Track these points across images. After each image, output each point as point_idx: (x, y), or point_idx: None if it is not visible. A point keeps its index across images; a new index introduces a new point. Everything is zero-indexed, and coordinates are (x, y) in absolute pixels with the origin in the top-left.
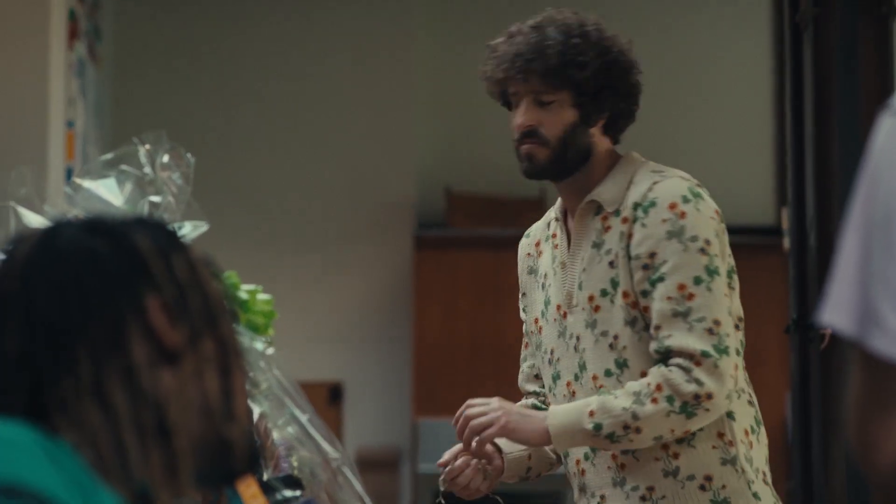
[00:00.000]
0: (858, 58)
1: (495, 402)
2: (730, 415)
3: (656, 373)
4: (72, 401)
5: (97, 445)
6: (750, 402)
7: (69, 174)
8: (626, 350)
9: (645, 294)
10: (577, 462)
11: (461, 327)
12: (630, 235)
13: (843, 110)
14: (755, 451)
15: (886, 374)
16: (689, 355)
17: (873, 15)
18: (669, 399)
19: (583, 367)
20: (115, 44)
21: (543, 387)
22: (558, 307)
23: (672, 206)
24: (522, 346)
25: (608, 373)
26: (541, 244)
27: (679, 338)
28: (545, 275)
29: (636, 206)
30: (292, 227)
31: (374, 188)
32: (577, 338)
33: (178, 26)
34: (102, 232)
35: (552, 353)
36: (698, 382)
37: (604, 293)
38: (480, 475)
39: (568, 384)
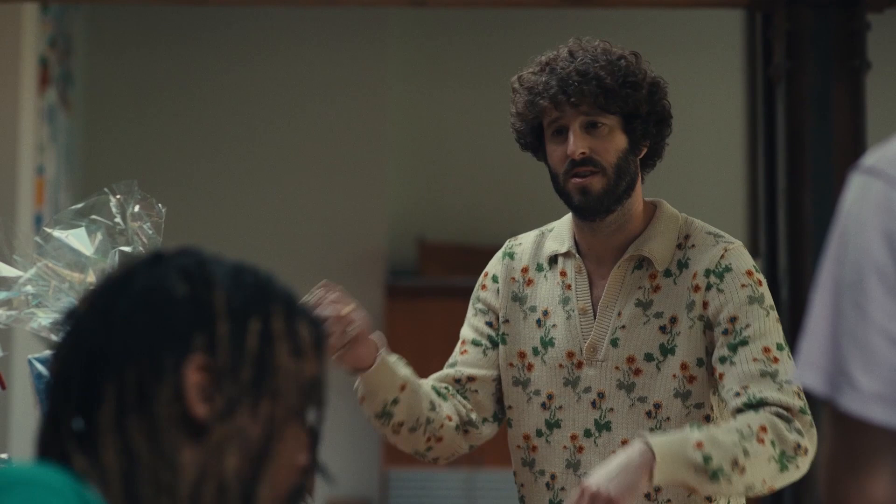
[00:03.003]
0: (831, 111)
1: (588, 492)
2: None
3: (759, 416)
4: (92, 434)
5: (106, 488)
6: None
7: (38, 221)
8: (669, 422)
9: (723, 360)
10: (574, 437)
11: None
12: (706, 304)
13: (816, 163)
14: None
15: (857, 433)
16: (786, 408)
17: (846, 68)
18: (773, 443)
19: (605, 426)
20: (86, 90)
21: (455, 391)
22: (570, 354)
23: (749, 273)
24: (459, 352)
25: None
26: (530, 271)
27: (772, 393)
28: (545, 312)
29: (708, 272)
30: None
31: (346, 237)
32: (601, 395)
33: (149, 73)
34: (190, 277)
35: (550, 398)
36: (799, 433)
37: (649, 357)
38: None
39: (573, 437)
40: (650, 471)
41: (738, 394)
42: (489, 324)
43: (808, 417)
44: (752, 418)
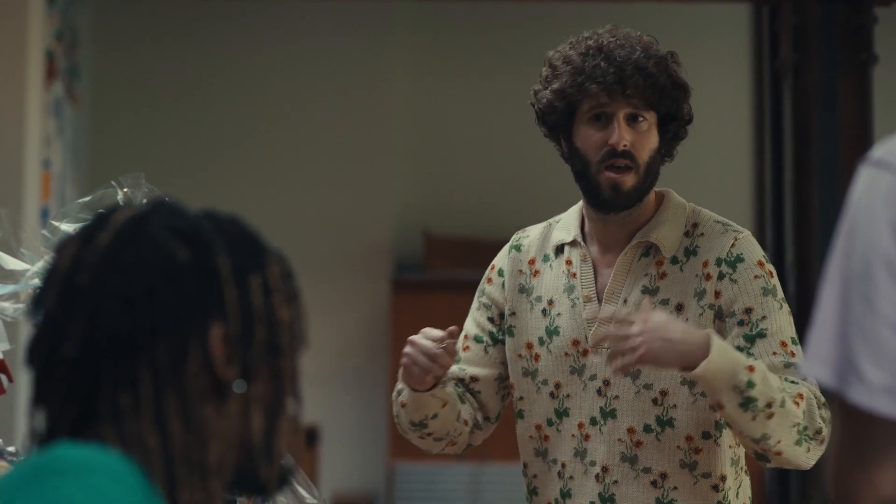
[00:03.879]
0: (838, 105)
1: (637, 326)
2: None
3: (798, 386)
4: (129, 416)
5: (151, 470)
6: None
7: (45, 214)
8: (675, 409)
9: (738, 350)
10: (581, 425)
11: None
12: (718, 293)
13: (823, 157)
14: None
15: (866, 425)
16: (816, 396)
17: (853, 62)
18: (803, 414)
19: (610, 414)
20: (92, 83)
21: (463, 392)
22: (575, 342)
23: (760, 264)
24: (462, 347)
25: (648, 428)
26: (536, 263)
27: (802, 382)
28: (550, 301)
29: (720, 261)
30: None
31: (352, 230)
32: (606, 382)
33: (156, 66)
34: (187, 238)
35: (558, 387)
36: (824, 421)
37: None
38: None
39: (580, 425)
40: (695, 361)
41: None
42: (491, 319)
43: (829, 413)
44: (792, 385)
